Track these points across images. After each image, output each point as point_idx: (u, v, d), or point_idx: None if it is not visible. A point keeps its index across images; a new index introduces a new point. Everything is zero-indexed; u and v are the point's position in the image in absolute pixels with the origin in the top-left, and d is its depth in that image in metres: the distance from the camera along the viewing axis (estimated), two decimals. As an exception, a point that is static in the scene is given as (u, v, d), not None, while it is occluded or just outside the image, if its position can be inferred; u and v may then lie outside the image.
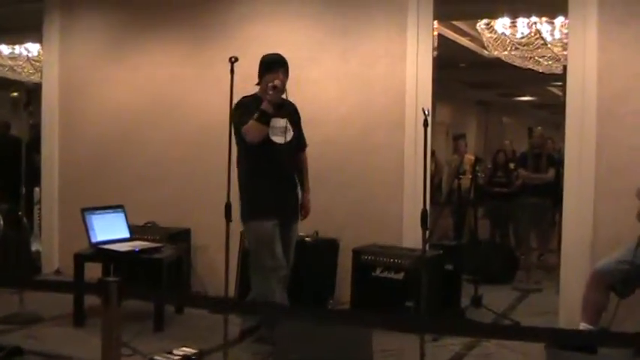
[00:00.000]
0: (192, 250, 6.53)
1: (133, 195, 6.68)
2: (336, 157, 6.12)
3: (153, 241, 5.82)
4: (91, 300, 4.80)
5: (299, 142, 4.89)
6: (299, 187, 4.92)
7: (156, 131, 6.87)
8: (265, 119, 4.61)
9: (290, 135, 4.76)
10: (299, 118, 4.91)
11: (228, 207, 4.58)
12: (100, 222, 5.48)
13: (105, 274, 5.45)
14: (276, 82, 4.63)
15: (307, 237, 5.74)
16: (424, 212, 4.51)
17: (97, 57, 7.16)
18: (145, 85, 6.95)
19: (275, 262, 4.70)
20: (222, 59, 6.16)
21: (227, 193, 4.58)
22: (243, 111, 4.67)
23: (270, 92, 4.61)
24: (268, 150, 4.70)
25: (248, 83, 5.84)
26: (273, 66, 4.76)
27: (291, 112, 4.83)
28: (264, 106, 4.61)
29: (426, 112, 4.50)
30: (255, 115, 4.59)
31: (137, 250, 5.37)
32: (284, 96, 4.77)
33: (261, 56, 4.92)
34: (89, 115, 7.18)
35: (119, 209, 5.69)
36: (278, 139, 4.70)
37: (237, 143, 4.72)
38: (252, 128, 4.60)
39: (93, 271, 5.30)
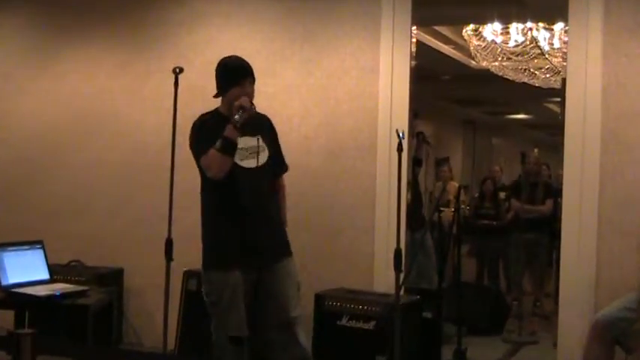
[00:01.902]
0: (124, 294, 6.49)
1: (54, 228, 6.62)
2: (296, 186, 6.08)
3: (78, 283, 5.72)
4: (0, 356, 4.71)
5: (276, 164, 4.58)
6: (278, 218, 4.61)
7: (83, 153, 6.84)
8: (231, 149, 4.25)
9: (264, 157, 4.45)
10: (275, 134, 4.61)
11: (169, 243, 4.57)
12: (13, 260, 5.37)
13: (18, 324, 5.35)
14: (243, 102, 4.30)
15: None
16: (398, 251, 4.52)
17: (11, 65, 7.12)
18: (69, 98, 6.92)
19: (232, 330, 4.36)
20: (162, 69, 6.27)
21: (168, 226, 4.57)
22: (201, 136, 4.37)
23: (237, 115, 4.26)
24: (236, 177, 4.33)
25: (194, 97, 5.86)
26: (238, 76, 4.47)
27: (264, 128, 4.55)
28: (228, 132, 4.23)
29: (401, 135, 4.52)
30: (218, 144, 4.22)
31: (58, 294, 5.27)
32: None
33: (219, 60, 4.65)
34: (1, 133, 7.12)
35: (37, 245, 5.60)
36: (248, 163, 4.38)
37: (199, 169, 4.44)
38: (214, 160, 4.24)
39: (2, 319, 5.21)
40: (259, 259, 4.41)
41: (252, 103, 4.39)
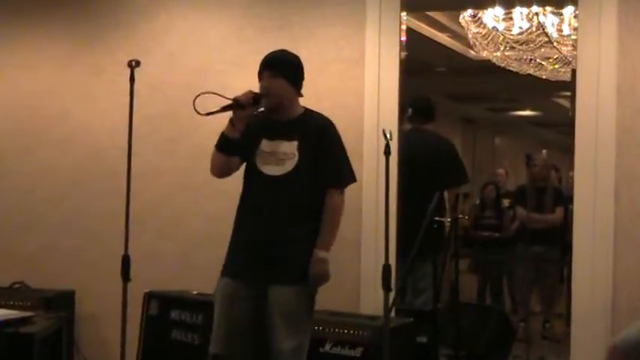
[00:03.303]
0: (76, 319, 6.47)
1: (-4, 246, 6.59)
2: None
3: (22, 308, 5.73)
4: None
5: (306, 176, 4.56)
6: (302, 240, 4.57)
7: (25, 159, 6.81)
8: (225, 146, 4.50)
9: (292, 164, 4.53)
10: (329, 140, 4.63)
11: (125, 261, 4.57)
12: (-53, 284, 5.36)
13: (-47, 355, 5.33)
14: (240, 96, 4.51)
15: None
16: (387, 268, 4.52)
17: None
18: (7, 96, 6.89)
19: (212, 346, 4.51)
20: (116, 62, 6.25)
21: (125, 241, 4.57)
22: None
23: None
24: (255, 183, 4.57)
25: (153, 94, 5.86)
26: (259, 70, 4.69)
27: (309, 133, 4.61)
28: (227, 128, 4.49)
29: (388, 136, 4.54)
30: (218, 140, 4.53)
31: (0, 321, 5.27)
32: (294, 106, 4.68)
33: None
34: None
35: (-25, 266, 5.59)
36: (270, 170, 4.53)
37: None
38: (211, 157, 4.57)
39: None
40: (262, 274, 4.50)
41: (257, 97, 4.54)
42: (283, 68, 4.65)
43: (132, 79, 4.57)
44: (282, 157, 4.54)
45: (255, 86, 6.18)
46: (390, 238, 4.73)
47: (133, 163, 4.67)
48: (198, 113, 4.46)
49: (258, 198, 4.55)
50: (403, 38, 6.07)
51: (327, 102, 6.06)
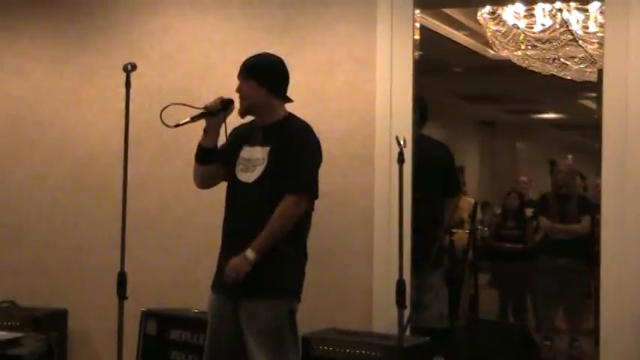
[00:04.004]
0: (69, 340, 6.47)
1: (-18, 262, 6.61)
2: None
3: (10, 329, 5.73)
4: None
5: (278, 181, 4.62)
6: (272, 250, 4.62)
7: (14, 168, 6.83)
8: (201, 156, 4.77)
9: (261, 170, 4.65)
10: (298, 146, 4.69)
11: (121, 277, 4.57)
12: None
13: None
14: (209, 105, 4.73)
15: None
16: (401, 283, 4.52)
17: None
18: (-2, 102, 6.93)
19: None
20: (111, 66, 6.27)
21: (121, 255, 4.56)
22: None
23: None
24: (232, 192, 4.78)
25: (150, 99, 5.88)
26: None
27: (283, 138, 4.70)
28: (202, 137, 4.75)
29: (402, 143, 4.54)
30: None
31: (-14, 343, 5.27)
32: (268, 111, 4.78)
33: None
34: None
35: (-40, 283, 5.60)
36: (245, 177, 4.68)
37: None
38: (193, 167, 4.83)
39: None
40: (233, 287, 4.56)
41: (226, 102, 4.73)
42: (254, 71, 4.77)
43: (127, 84, 4.57)
44: (255, 163, 4.67)
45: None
46: (405, 252, 4.71)
47: (129, 172, 4.67)
48: (167, 126, 4.60)
49: (232, 205, 4.74)
50: (417, 37, 6.07)
51: (335, 106, 6.08)
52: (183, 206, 6.28)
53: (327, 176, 6.02)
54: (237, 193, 4.70)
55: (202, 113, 4.70)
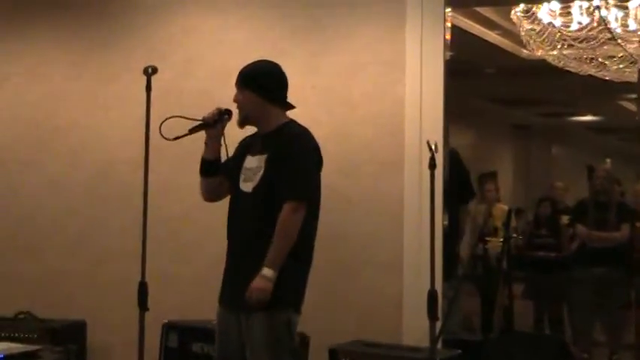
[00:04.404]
0: (87, 353, 6.48)
1: (-3, 271, 6.65)
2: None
3: (27, 341, 5.75)
4: None
5: (271, 190, 4.67)
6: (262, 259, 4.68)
7: (30, 175, 6.89)
8: (204, 169, 4.85)
9: (258, 178, 4.71)
10: (289, 153, 4.72)
11: (142, 288, 4.59)
12: (-55, 314, 5.41)
13: (-48, 393, 5.38)
14: (206, 116, 4.80)
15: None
16: (432, 294, 4.52)
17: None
18: (13, 107, 6.98)
19: None
20: (130, 69, 6.29)
21: (141, 266, 4.59)
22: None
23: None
24: (233, 202, 4.84)
25: (170, 103, 5.90)
26: None
27: (279, 145, 4.74)
28: (204, 150, 4.82)
29: (433, 147, 4.55)
30: None
31: (1, 356, 5.31)
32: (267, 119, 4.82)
33: None
34: None
35: (-24, 294, 5.64)
36: (245, 186, 4.75)
37: None
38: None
39: None
40: (233, 300, 4.68)
41: (222, 113, 4.80)
42: (249, 80, 4.81)
43: (148, 87, 4.61)
44: (254, 171, 4.72)
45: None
46: (436, 261, 4.71)
47: (150, 179, 4.71)
48: (166, 139, 4.66)
49: (232, 215, 4.81)
50: (448, 37, 6.07)
51: (363, 110, 6.08)
52: (206, 214, 6.29)
53: (354, 184, 6.07)
54: (237, 202, 4.77)
55: (200, 125, 4.76)
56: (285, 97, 4.87)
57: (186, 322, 5.94)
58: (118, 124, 6.57)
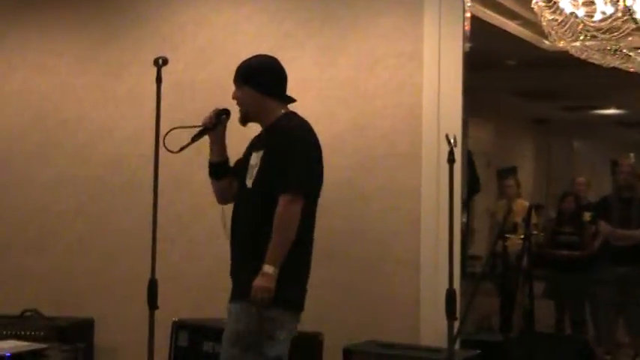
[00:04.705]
0: (95, 351, 6.51)
1: (3, 268, 6.72)
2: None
3: (34, 339, 5.79)
4: None
5: (268, 185, 4.71)
6: (258, 255, 4.69)
7: (36, 171, 6.91)
8: (211, 171, 4.92)
9: (255, 174, 4.77)
10: (282, 146, 4.73)
11: (152, 285, 4.60)
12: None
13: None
14: (205, 119, 4.83)
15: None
16: (451, 292, 4.52)
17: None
18: (19, 99, 7.00)
19: None
20: (140, 60, 6.32)
21: (152, 263, 4.60)
22: None
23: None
24: (236, 198, 4.90)
25: (182, 95, 5.91)
26: None
27: (273, 139, 4.79)
28: (210, 153, 4.90)
29: (452, 141, 4.54)
30: None
31: (8, 355, 5.33)
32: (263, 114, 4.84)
33: None
34: None
35: (-19, 291, 5.67)
36: (248, 182, 4.81)
37: None
38: None
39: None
40: (233, 295, 4.76)
41: (220, 113, 4.83)
42: (244, 76, 4.84)
43: (159, 79, 4.61)
44: (254, 167, 4.77)
45: (296, 85, 6.26)
46: (455, 258, 4.71)
47: (160, 173, 4.71)
48: (171, 152, 4.66)
49: (234, 211, 4.86)
50: (467, 28, 6.06)
51: (379, 102, 6.08)
52: (218, 211, 6.29)
53: (370, 178, 6.07)
54: (240, 198, 4.84)
55: (201, 131, 4.79)
56: (284, 90, 4.88)
57: (197, 321, 5.95)
58: (127, 117, 6.58)
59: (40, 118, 6.93)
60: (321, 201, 6.00)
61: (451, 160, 4.62)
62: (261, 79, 4.81)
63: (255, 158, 4.77)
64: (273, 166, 4.67)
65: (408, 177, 5.99)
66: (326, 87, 6.21)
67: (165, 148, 4.65)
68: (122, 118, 6.63)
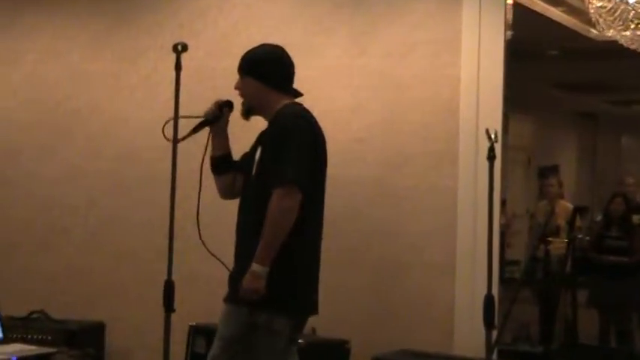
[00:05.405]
0: (106, 357, 6.53)
1: (10, 267, 6.75)
2: (343, 208, 6.14)
3: (41, 343, 5.81)
4: None
5: (263, 179, 4.72)
6: (244, 252, 4.77)
7: (46, 162, 6.95)
8: (212, 166, 4.88)
9: (254, 170, 4.79)
10: (273, 139, 4.75)
11: (169, 287, 4.62)
12: (-48, 313, 5.47)
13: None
14: (207, 111, 4.84)
15: (298, 337, 5.72)
16: (489, 299, 4.52)
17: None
18: (29, 87, 7.04)
19: None
20: (158, 46, 6.34)
21: (168, 264, 4.61)
22: None
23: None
24: (242, 193, 4.89)
25: (202, 83, 5.92)
26: None
27: (268, 132, 4.82)
28: (211, 147, 4.90)
29: (493, 137, 4.54)
30: None
31: (14, 359, 5.36)
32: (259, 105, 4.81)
33: None
34: None
35: (-14, 291, 5.70)
36: (253, 178, 4.81)
37: None
38: None
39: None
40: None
41: (222, 105, 4.84)
42: (247, 67, 4.81)
43: (178, 67, 4.62)
44: (256, 162, 4.75)
45: (325, 73, 6.28)
46: (493, 262, 4.71)
47: (178, 166, 4.73)
48: (169, 140, 4.69)
49: (239, 206, 4.86)
50: (509, 16, 6.05)
51: (413, 94, 6.08)
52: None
53: (402, 176, 6.07)
54: (244, 193, 4.85)
55: (202, 122, 4.79)
56: (291, 83, 4.85)
57: (215, 326, 5.95)
58: (143, 106, 6.59)
59: (50, 107, 6.95)
60: (347, 201, 6.04)
61: (491, 157, 4.61)
62: (267, 69, 4.78)
63: (259, 153, 4.78)
64: (268, 160, 4.68)
65: (444, 175, 5.99)
66: (356, 76, 6.22)
67: (165, 137, 4.68)
68: (137, 108, 6.64)
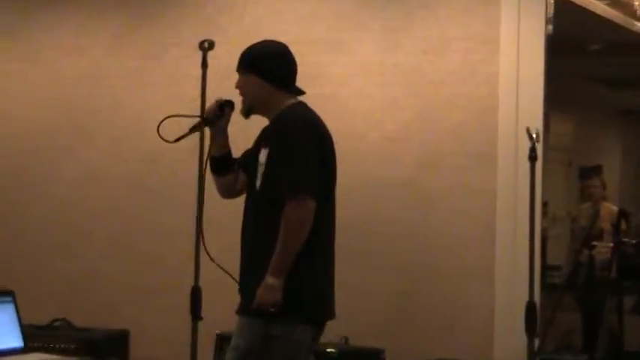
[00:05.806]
0: (130, 367, 6.56)
1: (31, 274, 6.75)
2: (374, 212, 6.14)
3: (64, 353, 5.83)
4: None
5: (270, 188, 4.69)
6: (264, 265, 4.66)
7: (69, 164, 6.97)
8: (211, 167, 4.80)
9: (260, 176, 4.72)
10: (279, 141, 4.69)
11: (196, 294, 4.62)
12: (-28, 320, 5.49)
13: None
14: (207, 111, 4.85)
15: (330, 346, 5.73)
16: (532, 306, 4.50)
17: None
18: (47, 85, 7.06)
19: None
20: (183, 43, 6.35)
21: (195, 270, 4.61)
22: None
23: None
24: (246, 199, 4.84)
25: (229, 82, 5.92)
26: None
27: (273, 136, 4.75)
28: (211, 147, 4.85)
29: (534, 136, 4.52)
30: None
31: (35, 369, 5.38)
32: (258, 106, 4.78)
33: None
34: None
35: (6, 298, 5.70)
36: (257, 183, 4.75)
37: None
38: None
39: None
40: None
41: (223, 104, 4.78)
42: (250, 62, 4.75)
43: (204, 64, 4.64)
44: (262, 167, 4.68)
45: (355, 70, 6.27)
46: (535, 268, 4.69)
47: (205, 167, 4.74)
48: (166, 141, 4.72)
49: (244, 214, 4.77)
50: (550, 10, 6.03)
51: (449, 92, 6.08)
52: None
53: (438, 177, 6.07)
54: (248, 200, 4.79)
55: (200, 122, 4.78)
56: (294, 81, 4.80)
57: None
58: (167, 105, 6.55)
59: (70, 105, 6.98)
60: (380, 203, 6.03)
61: (532, 157, 4.59)
62: (269, 66, 4.73)
63: (263, 155, 4.70)
64: (274, 168, 4.63)
65: (482, 176, 5.98)
66: (389, 73, 6.22)
67: (160, 136, 4.70)
68: (161, 107, 6.61)
